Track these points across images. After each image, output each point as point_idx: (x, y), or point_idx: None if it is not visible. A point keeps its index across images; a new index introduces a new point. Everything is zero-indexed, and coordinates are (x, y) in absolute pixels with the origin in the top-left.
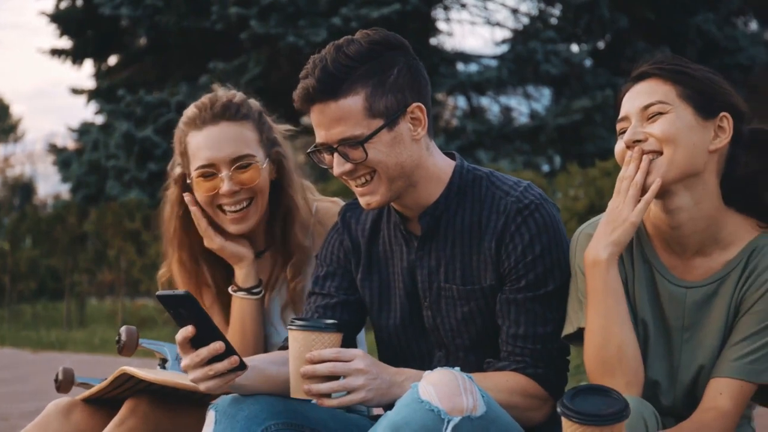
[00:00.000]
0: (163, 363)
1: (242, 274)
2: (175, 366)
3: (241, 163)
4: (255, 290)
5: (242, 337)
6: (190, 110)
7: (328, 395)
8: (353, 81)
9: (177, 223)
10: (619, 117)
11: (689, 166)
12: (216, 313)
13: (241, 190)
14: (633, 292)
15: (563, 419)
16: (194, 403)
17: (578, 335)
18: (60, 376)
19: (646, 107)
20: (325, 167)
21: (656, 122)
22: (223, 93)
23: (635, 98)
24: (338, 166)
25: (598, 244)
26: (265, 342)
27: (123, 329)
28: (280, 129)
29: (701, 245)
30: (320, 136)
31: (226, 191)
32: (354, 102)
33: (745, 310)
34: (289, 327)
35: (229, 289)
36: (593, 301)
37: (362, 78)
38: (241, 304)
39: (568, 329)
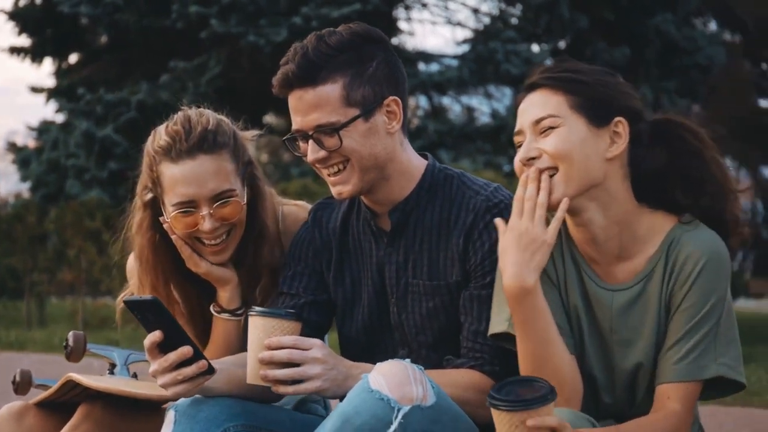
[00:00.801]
0: (112, 368)
1: (227, 297)
2: (123, 371)
3: (221, 200)
4: (239, 312)
5: (226, 356)
6: (163, 138)
7: (284, 382)
8: (332, 69)
9: (149, 249)
10: (515, 130)
11: (587, 178)
12: (188, 332)
13: (221, 225)
14: (565, 290)
15: (493, 412)
16: (149, 407)
17: (508, 337)
18: (17, 378)
19: (538, 121)
20: (300, 155)
21: (549, 137)
22: (196, 119)
23: (528, 111)
24: (312, 152)
25: (521, 271)
26: None
27: (71, 334)
28: (247, 136)
29: (620, 249)
30: (296, 123)
31: (208, 229)
32: (332, 89)
33: (675, 307)
34: (249, 313)
35: (212, 310)
36: (524, 328)
37: (341, 67)
38: (225, 325)
39: (497, 328)
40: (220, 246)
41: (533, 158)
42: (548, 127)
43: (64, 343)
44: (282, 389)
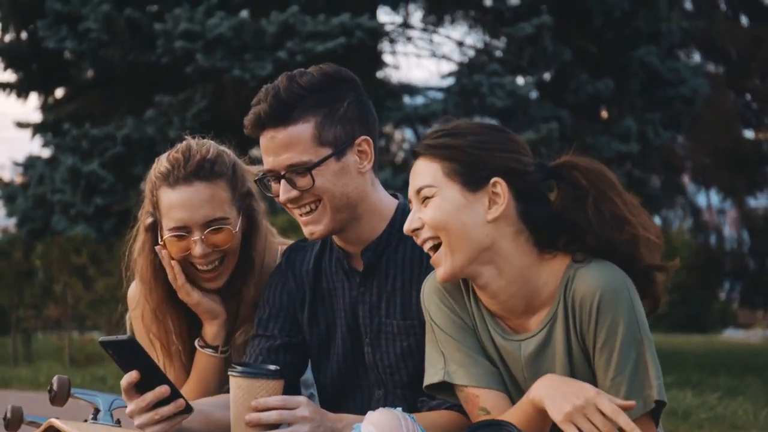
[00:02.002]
0: (96, 413)
1: (212, 332)
2: (107, 417)
3: (213, 226)
4: (223, 349)
5: (205, 392)
6: (163, 164)
7: None
8: (303, 109)
9: (149, 270)
10: (408, 195)
11: (471, 245)
12: (177, 360)
13: (212, 252)
14: (480, 338)
15: None
16: None
17: (443, 385)
18: (8, 415)
19: (418, 191)
20: (271, 195)
21: (427, 207)
22: (197, 148)
23: (412, 180)
24: (284, 192)
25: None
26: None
27: (55, 379)
28: (252, 170)
29: (525, 304)
30: (268, 163)
31: (199, 254)
32: (303, 129)
33: (591, 348)
34: (230, 373)
35: (196, 343)
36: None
37: (312, 107)
38: (206, 360)
39: (431, 380)
40: (213, 273)
41: (417, 229)
42: (426, 197)
43: (49, 388)
44: None
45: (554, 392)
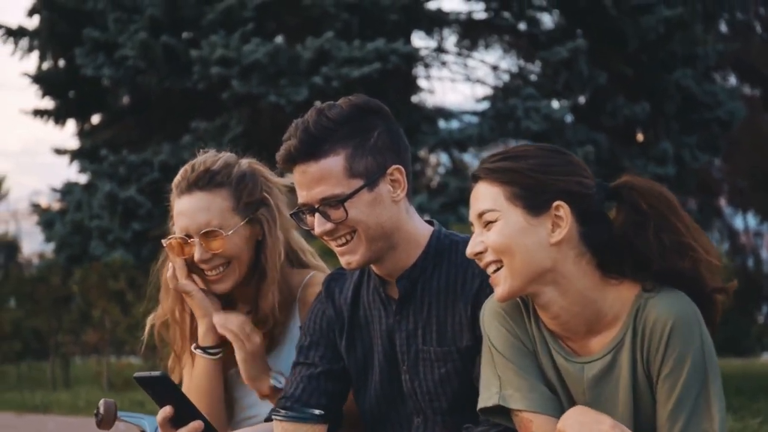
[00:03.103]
0: None
1: (201, 330)
2: None
3: (208, 231)
4: (211, 350)
5: (201, 396)
6: (177, 175)
7: None
8: (334, 142)
9: (165, 276)
10: (469, 221)
11: (533, 268)
12: (189, 367)
13: (213, 257)
14: (540, 361)
15: None
16: None
17: (497, 409)
18: (101, 411)
19: (480, 215)
20: (307, 228)
21: (490, 231)
22: (203, 160)
23: (473, 204)
24: (319, 225)
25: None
26: (235, 404)
27: (101, 402)
28: (278, 181)
29: (587, 325)
30: (302, 197)
31: (198, 259)
32: (334, 162)
33: (656, 376)
34: (274, 417)
35: (191, 346)
36: None
37: (343, 139)
38: (199, 362)
39: (485, 403)
40: (217, 276)
41: (480, 252)
42: (488, 221)
43: (95, 411)
44: None
45: (574, 422)
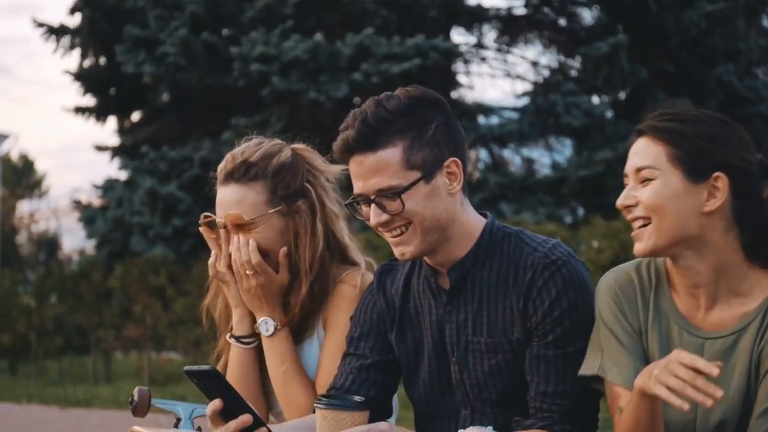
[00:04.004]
0: (177, 422)
1: (235, 320)
2: (188, 425)
3: (240, 224)
4: (245, 340)
5: (233, 384)
6: (222, 162)
7: None
8: (392, 133)
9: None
10: (624, 171)
11: (680, 232)
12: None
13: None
14: (647, 340)
15: None
16: None
17: (596, 378)
18: (136, 399)
19: (638, 170)
20: (362, 219)
21: (646, 188)
22: (242, 150)
23: (633, 157)
24: (375, 216)
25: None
26: (273, 394)
27: (136, 390)
28: (328, 171)
29: (716, 297)
30: (358, 188)
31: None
32: (392, 154)
33: (764, 372)
34: (316, 405)
35: (226, 335)
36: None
37: (400, 131)
38: (233, 351)
39: (585, 371)
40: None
41: (630, 206)
42: (646, 178)
43: (130, 399)
44: None
45: (645, 371)
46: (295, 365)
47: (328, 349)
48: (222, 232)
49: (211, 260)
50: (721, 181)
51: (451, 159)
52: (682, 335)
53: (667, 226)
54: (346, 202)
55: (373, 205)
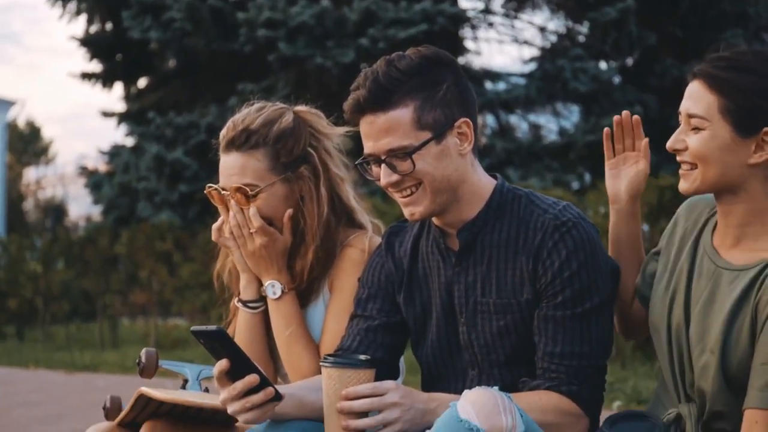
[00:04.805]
0: (184, 384)
1: (242, 285)
2: (195, 386)
3: (240, 192)
4: (252, 304)
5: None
6: (224, 128)
7: (364, 431)
8: (403, 93)
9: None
10: (679, 109)
11: (723, 181)
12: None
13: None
14: (679, 256)
15: None
16: (217, 424)
17: None
18: (143, 360)
19: (690, 116)
20: (372, 179)
21: (695, 136)
22: (243, 117)
23: (686, 100)
24: (385, 176)
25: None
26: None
27: (143, 351)
28: (332, 134)
29: (742, 237)
30: (368, 147)
31: (232, 216)
32: (403, 114)
33: (762, 323)
34: (322, 364)
35: (234, 300)
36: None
37: (412, 91)
38: (241, 315)
39: None
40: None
41: (678, 149)
42: (696, 127)
43: (137, 360)
44: None
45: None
46: (300, 329)
47: (333, 311)
48: (215, 193)
49: (216, 225)
50: None
51: (462, 119)
52: (704, 259)
53: (711, 174)
54: (357, 162)
55: (383, 165)
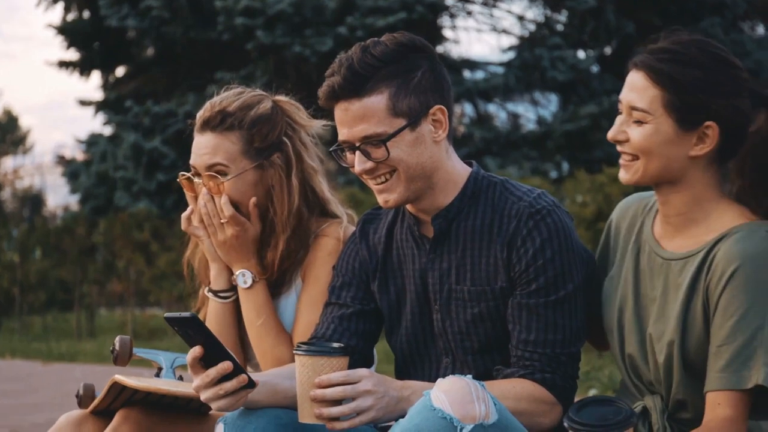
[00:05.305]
0: (158, 371)
1: (213, 275)
2: (169, 374)
3: (211, 174)
4: (222, 294)
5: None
6: (199, 112)
7: (337, 418)
8: (378, 80)
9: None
10: (619, 97)
11: (664, 173)
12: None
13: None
14: (624, 257)
15: None
16: (191, 412)
17: None
18: (117, 348)
19: (633, 108)
20: (346, 166)
21: (637, 128)
22: (221, 99)
23: (629, 91)
24: (360, 163)
25: None
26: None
27: (117, 339)
28: (309, 126)
29: (684, 225)
30: (342, 134)
31: (202, 196)
32: (378, 101)
33: (713, 308)
34: (295, 352)
35: (204, 290)
36: None
37: (387, 78)
38: (210, 305)
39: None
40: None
41: (620, 141)
42: (639, 120)
43: (111, 348)
44: (338, 425)
45: None
46: (272, 318)
47: (306, 301)
48: (184, 180)
49: (185, 213)
50: (712, 130)
51: (436, 107)
52: (650, 256)
53: (653, 167)
54: (331, 149)
55: (357, 152)
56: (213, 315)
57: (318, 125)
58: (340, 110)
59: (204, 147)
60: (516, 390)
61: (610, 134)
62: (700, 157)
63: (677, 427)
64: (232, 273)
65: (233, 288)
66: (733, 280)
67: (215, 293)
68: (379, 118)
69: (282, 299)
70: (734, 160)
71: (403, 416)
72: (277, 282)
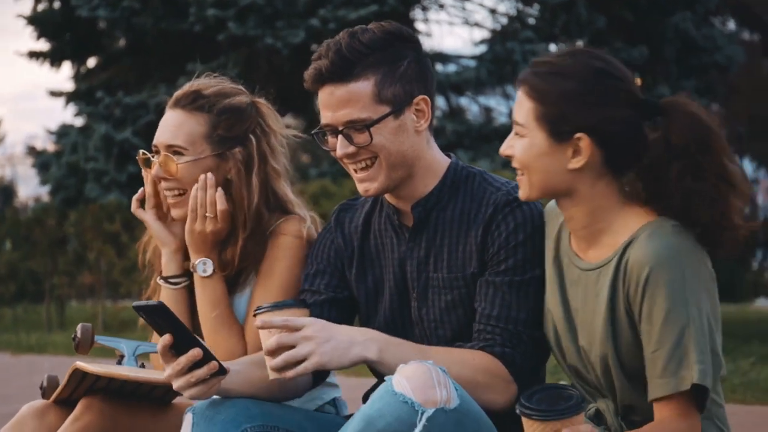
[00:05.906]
0: (120, 359)
1: (164, 261)
2: (131, 362)
3: (168, 152)
4: (172, 280)
5: None
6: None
7: (285, 368)
8: (365, 66)
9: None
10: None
11: (549, 187)
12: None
13: (169, 180)
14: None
15: (524, 420)
16: (155, 400)
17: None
18: (79, 335)
19: (514, 122)
20: (327, 149)
21: (518, 142)
22: (201, 82)
23: (514, 107)
24: (342, 148)
25: None
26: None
27: (78, 327)
28: (280, 132)
29: (592, 236)
30: (326, 118)
31: (154, 175)
32: (364, 86)
33: (637, 313)
34: (256, 313)
35: (156, 278)
36: None
37: (374, 64)
38: (163, 293)
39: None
40: (173, 200)
41: (509, 156)
42: (518, 133)
43: (73, 336)
44: (289, 374)
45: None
46: (227, 311)
47: (259, 295)
48: (142, 157)
49: (136, 195)
50: (583, 142)
51: (420, 96)
52: (570, 268)
53: (536, 181)
54: (313, 132)
55: (340, 136)
56: (168, 301)
57: (288, 134)
58: (326, 93)
59: (170, 124)
60: (475, 361)
61: (501, 149)
62: (583, 170)
63: (632, 426)
64: (184, 259)
65: (185, 274)
66: (649, 285)
67: (166, 279)
68: (364, 103)
69: (236, 298)
70: (635, 170)
71: (360, 361)
72: (233, 280)
